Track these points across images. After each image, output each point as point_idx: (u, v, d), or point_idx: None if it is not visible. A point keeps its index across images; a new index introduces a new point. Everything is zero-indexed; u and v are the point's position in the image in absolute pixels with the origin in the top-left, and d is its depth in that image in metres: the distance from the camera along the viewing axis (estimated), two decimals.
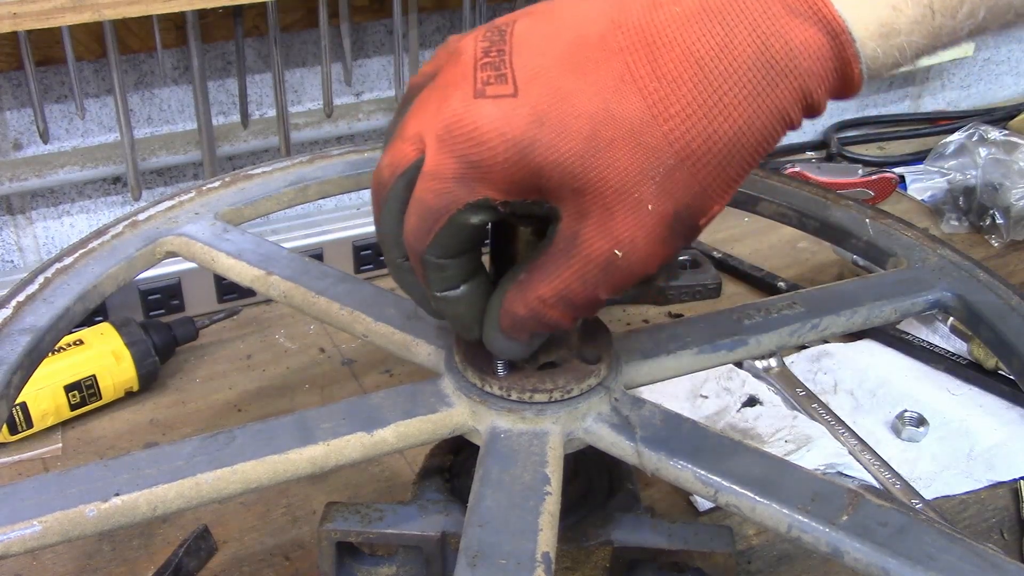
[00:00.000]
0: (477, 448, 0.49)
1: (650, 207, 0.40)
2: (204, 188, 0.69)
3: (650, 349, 0.55)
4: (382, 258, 1.02)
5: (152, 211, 0.66)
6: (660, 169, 0.40)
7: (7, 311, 0.56)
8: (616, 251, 0.41)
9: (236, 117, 1.01)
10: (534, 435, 0.49)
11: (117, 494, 0.44)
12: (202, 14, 0.90)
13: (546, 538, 0.43)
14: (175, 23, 0.91)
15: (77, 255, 0.62)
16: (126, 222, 0.65)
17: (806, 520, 0.44)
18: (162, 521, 0.73)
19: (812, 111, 0.40)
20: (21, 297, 0.57)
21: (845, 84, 0.40)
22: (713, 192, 0.41)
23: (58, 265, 0.60)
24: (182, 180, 1.03)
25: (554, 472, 0.47)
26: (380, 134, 1.08)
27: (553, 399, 0.49)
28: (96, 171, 0.95)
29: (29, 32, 0.82)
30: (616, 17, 0.40)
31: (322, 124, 1.02)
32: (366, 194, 1.04)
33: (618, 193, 0.40)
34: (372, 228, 1.01)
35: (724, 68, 0.39)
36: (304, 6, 0.97)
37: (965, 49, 1.33)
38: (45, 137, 0.90)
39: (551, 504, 0.45)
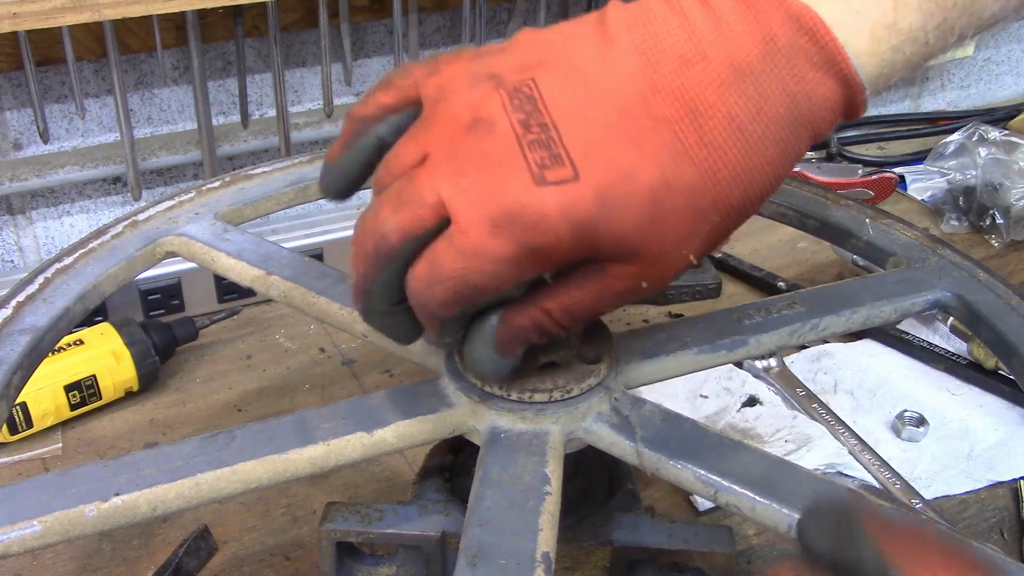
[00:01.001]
0: (477, 448, 0.49)
1: (690, 256, 0.42)
2: (204, 188, 0.69)
3: (650, 349, 0.55)
4: None
5: (152, 211, 0.66)
6: (707, 228, 0.42)
7: (7, 311, 0.56)
8: (643, 283, 0.43)
9: (236, 117, 1.01)
10: (534, 435, 0.49)
11: (117, 494, 0.44)
12: (202, 14, 0.90)
13: (546, 538, 0.43)
14: (175, 23, 0.91)
15: (77, 255, 0.62)
16: (126, 222, 0.65)
17: None
18: (162, 521, 0.73)
19: (817, 143, 0.45)
20: (21, 297, 0.57)
21: (848, 117, 0.43)
22: (736, 228, 0.44)
23: (58, 265, 0.60)
24: (182, 180, 1.03)
25: (554, 472, 0.47)
26: None
27: (553, 399, 0.49)
28: (96, 171, 0.95)
29: (29, 32, 0.82)
30: (650, 78, 0.40)
31: (322, 124, 1.02)
32: (366, 195, 1.04)
33: (667, 251, 0.42)
34: None
35: (762, 131, 0.41)
36: (304, 6, 0.97)
37: (965, 49, 1.33)
38: (45, 137, 0.90)
39: (551, 504, 0.45)
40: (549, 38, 0.43)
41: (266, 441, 0.48)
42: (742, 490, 0.46)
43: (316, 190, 0.71)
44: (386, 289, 0.43)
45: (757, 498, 0.45)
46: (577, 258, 0.42)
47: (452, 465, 0.59)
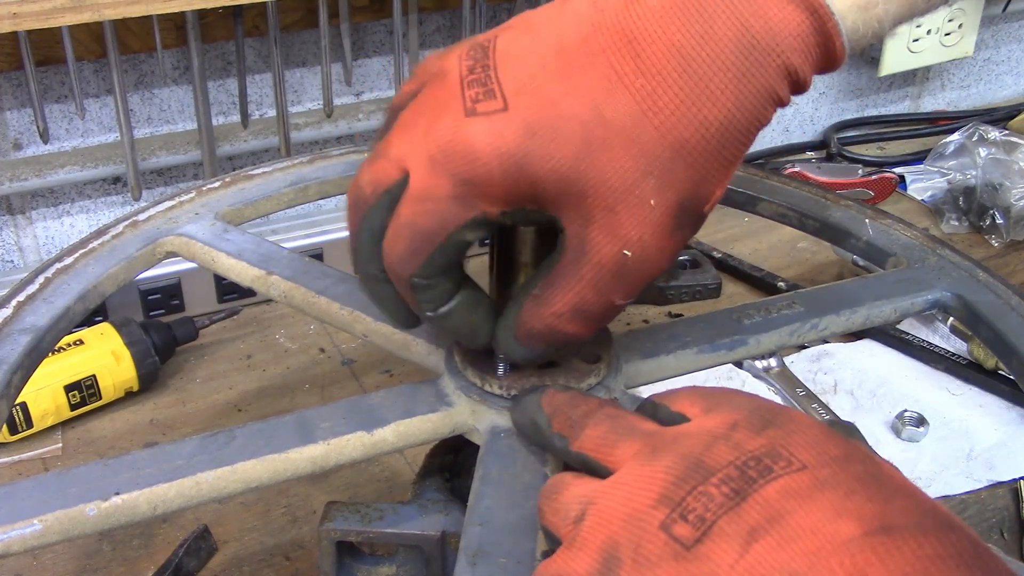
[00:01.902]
0: (477, 447, 0.49)
1: (652, 202, 0.40)
2: (204, 188, 0.69)
3: (650, 349, 0.55)
4: None
5: (152, 211, 0.66)
6: (657, 164, 0.40)
7: (7, 311, 0.56)
8: (625, 251, 0.41)
9: (236, 117, 1.01)
10: None
11: (117, 493, 0.44)
12: (202, 14, 0.90)
13: None
14: (175, 23, 0.91)
15: (77, 255, 0.62)
16: (126, 222, 0.65)
17: None
18: (162, 521, 0.73)
19: (798, 87, 0.41)
20: (21, 297, 0.57)
21: (828, 58, 0.40)
22: (712, 178, 0.41)
23: (58, 265, 0.60)
24: (182, 180, 1.03)
25: (554, 471, 0.47)
26: None
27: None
28: (96, 171, 0.95)
29: (29, 32, 0.82)
30: (594, 19, 0.40)
31: (322, 124, 1.02)
32: None
33: (619, 193, 0.40)
34: None
35: (707, 56, 0.39)
36: (304, 6, 0.97)
37: (965, 49, 1.33)
38: (45, 137, 0.90)
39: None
40: (529, 12, 0.44)
41: (266, 440, 0.47)
42: None
43: (316, 190, 0.71)
44: (371, 245, 0.44)
45: None
46: (522, 195, 0.41)
47: (452, 465, 0.59)
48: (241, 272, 0.61)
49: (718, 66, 0.39)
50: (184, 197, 0.68)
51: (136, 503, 0.45)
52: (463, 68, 0.41)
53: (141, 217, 0.66)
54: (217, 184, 0.69)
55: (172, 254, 0.64)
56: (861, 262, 1.01)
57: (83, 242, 0.63)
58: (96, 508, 0.44)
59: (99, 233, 0.64)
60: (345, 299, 0.58)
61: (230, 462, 0.46)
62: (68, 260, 0.61)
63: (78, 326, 0.62)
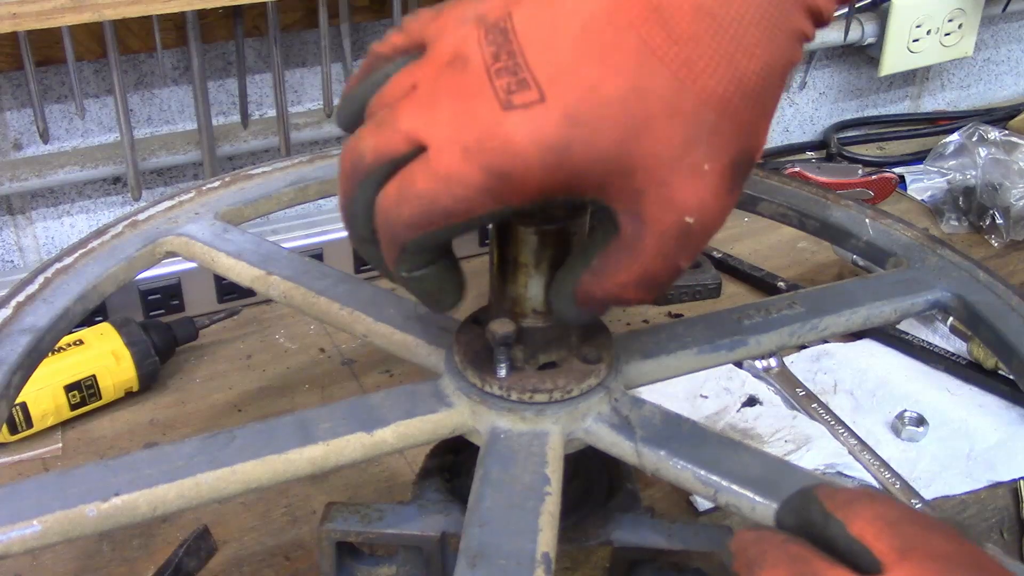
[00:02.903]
0: (477, 448, 0.49)
1: (706, 167, 0.40)
2: (204, 188, 0.69)
3: (650, 349, 0.55)
4: None
5: (152, 211, 0.66)
6: (704, 129, 0.39)
7: (7, 311, 0.56)
8: (687, 219, 0.41)
9: (236, 117, 1.01)
10: (534, 435, 0.49)
11: (117, 494, 0.44)
12: (202, 14, 0.90)
13: (546, 538, 0.43)
14: (175, 23, 0.91)
15: (77, 255, 0.62)
16: (126, 222, 0.65)
17: None
18: (162, 521, 0.73)
19: (821, 21, 0.41)
20: (21, 297, 0.57)
21: None
22: (758, 129, 0.41)
23: (58, 265, 0.60)
24: (182, 180, 1.03)
25: (554, 472, 0.47)
26: None
27: (553, 399, 0.49)
28: (96, 171, 0.95)
29: (29, 32, 0.82)
30: None
31: (322, 124, 1.02)
32: None
33: (669, 166, 0.40)
34: None
35: (735, 12, 0.39)
36: (304, 6, 0.97)
37: (965, 49, 1.33)
38: (45, 137, 0.90)
39: (551, 504, 0.45)
40: None
41: (266, 441, 0.48)
42: (742, 490, 0.46)
43: (316, 190, 0.71)
44: (365, 210, 0.43)
45: (756, 498, 0.45)
46: (558, 186, 0.40)
47: (452, 465, 0.59)
48: (241, 272, 0.61)
49: (747, 20, 0.39)
50: (184, 197, 0.68)
51: (136, 504, 0.45)
52: (486, 55, 0.40)
53: (141, 217, 0.66)
54: (217, 184, 0.69)
55: (172, 254, 0.64)
56: (861, 262, 1.01)
57: (83, 242, 0.63)
58: (96, 509, 0.44)
59: (99, 233, 0.64)
60: (345, 299, 0.58)
61: (230, 463, 0.46)
62: (68, 260, 0.61)
63: (78, 326, 0.62)
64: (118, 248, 0.63)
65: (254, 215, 0.69)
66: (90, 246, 0.62)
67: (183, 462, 0.46)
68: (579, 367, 0.50)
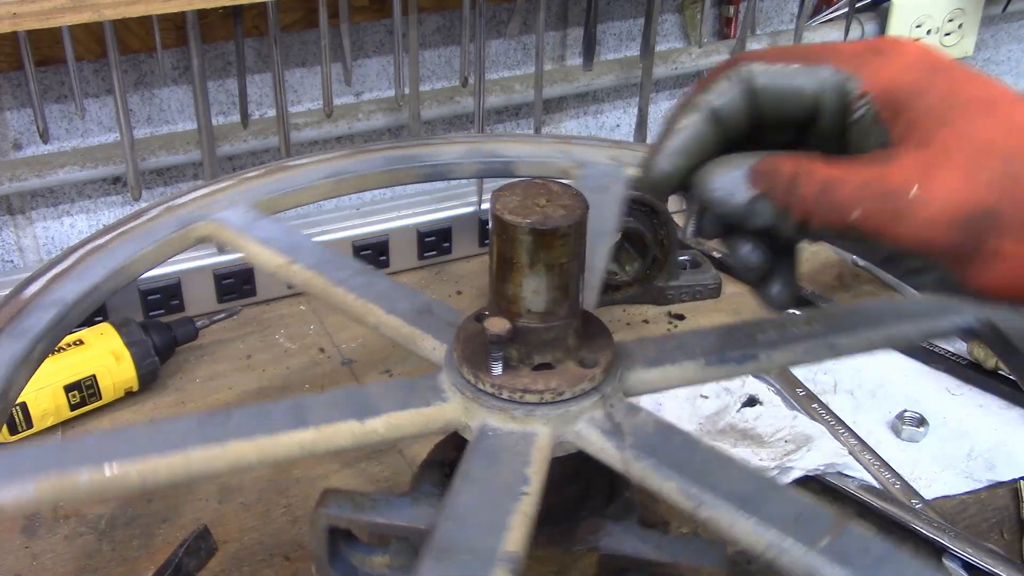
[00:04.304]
0: None
1: (978, 179, 0.39)
2: (244, 176, 0.70)
3: (655, 357, 0.55)
4: (382, 258, 1.02)
5: (190, 196, 0.68)
6: (1016, 163, 0.39)
7: (37, 285, 0.58)
8: (916, 187, 0.39)
9: (236, 117, 1.01)
10: (522, 435, 0.49)
11: (110, 462, 0.45)
12: (202, 14, 0.90)
13: (515, 537, 0.43)
14: (175, 23, 0.91)
15: (112, 235, 0.63)
16: (163, 206, 0.67)
17: (785, 542, 0.43)
18: (162, 521, 0.73)
19: None
20: (52, 273, 0.59)
21: None
22: (1012, 231, 0.38)
23: (92, 244, 0.62)
24: (182, 180, 1.03)
25: (536, 473, 0.46)
26: (380, 134, 1.08)
27: (544, 400, 0.49)
28: (96, 171, 0.95)
29: (29, 32, 0.82)
30: None
31: (322, 124, 1.02)
32: (367, 195, 1.04)
33: (972, 146, 0.39)
34: (371, 228, 1.02)
35: None
36: (304, 6, 0.97)
37: (965, 49, 1.33)
38: (45, 137, 0.90)
39: (527, 504, 0.45)
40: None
41: (260, 422, 0.48)
42: (724, 505, 0.45)
43: (353, 184, 0.72)
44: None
45: (737, 514, 0.44)
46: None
47: (453, 460, 0.59)
48: (268, 259, 0.62)
49: None
50: (222, 184, 0.69)
51: (128, 474, 0.45)
52: None
53: (179, 201, 0.67)
54: (256, 173, 0.71)
55: (205, 239, 0.66)
56: (861, 262, 1.01)
57: (120, 223, 0.64)
58: (88, 475, 0.45)
59: (136, 215, 0.65)
60: (361, 291, 0.59)
61: (222, 440, 0.47)
62: (102, 240, 0.62)
63: (78, 326, 0.62)
64: (152, 231, 0.64)
65: (291, 205, 0.70)
66: (126, 227, 0.63)
67: (178, 437, 0.47)
68: (574, 370, 0.50)
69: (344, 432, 0.48)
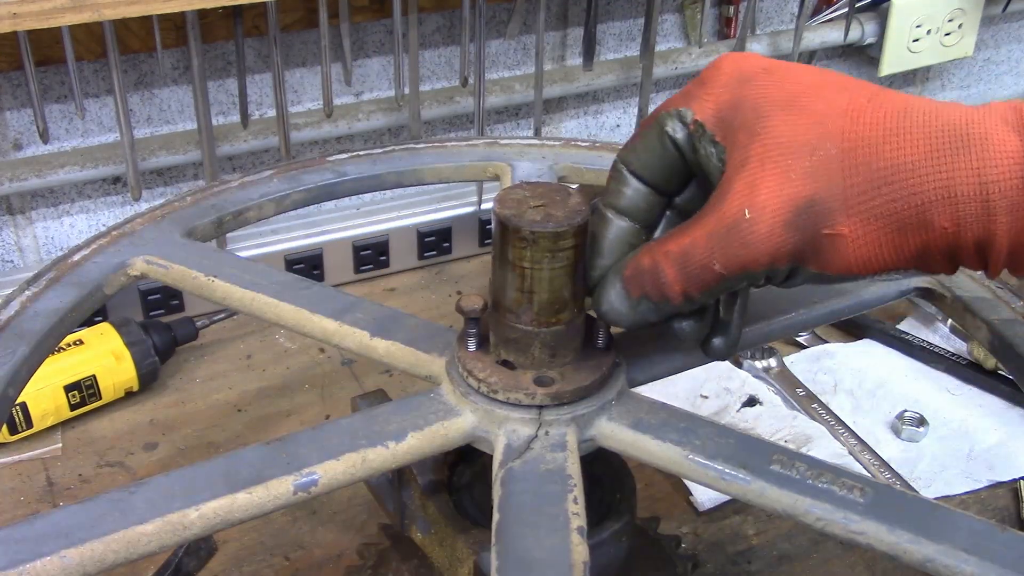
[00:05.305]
0: (470, 463, 0.48)
1: (792, 176, 0.41)
2: (171, 204, 0.67)
3: (651, 348, 0.55)
4: (382, 258, 1.02)
5: (94, 245, 0.63)
6: (820, 152, 0.41)
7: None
8: (746, 210, 0.41)
9: (236, 117, 1.01)
10: (547, 438, 0.48)
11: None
12: (202, 14, 0.90)
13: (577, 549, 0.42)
14: (175, 23, 0.91)
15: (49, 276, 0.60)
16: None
17: (820, 501, 0.44)
18: None
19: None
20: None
21: None
22: (847, 204, 0.41)
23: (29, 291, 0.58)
24: (182, 180, 1.03)
25: (574, 471, 0.46)
26: (379, 134, 1.08)
27: (552, 403, 0.49)
28: (96, 171, 0.95)
29: (29, 32, 0.82)
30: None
31: (322, 124, 1.02)
32: (367, 196, 1.04)
33: (779, 149, 0.41)
34: (371, 228, 1.02)
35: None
36: (304, 6, 0.97)
37: (965, 49, 1.33)
38: (45, 137, 0.90)
39: (573, 505, 0.44)
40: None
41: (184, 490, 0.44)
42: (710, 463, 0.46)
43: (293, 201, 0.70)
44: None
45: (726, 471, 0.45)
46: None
47: (449, 482, 0.58)
48: (228, 294, 0.59)
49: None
50: (143, 217, 0.65)
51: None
52: None
53: (78, 256, 0.62)
54: (181, 202, 0.67)
55: (139, 277, 0.62)
56: None
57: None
58: None
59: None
60: (300, 301, 0.57)
61: (234, 491, 0.43)
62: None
63: (78, 326, 0.62)
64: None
65: (227, 230, 0.67)
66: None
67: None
68: (575, 371, 0.50)
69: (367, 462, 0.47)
